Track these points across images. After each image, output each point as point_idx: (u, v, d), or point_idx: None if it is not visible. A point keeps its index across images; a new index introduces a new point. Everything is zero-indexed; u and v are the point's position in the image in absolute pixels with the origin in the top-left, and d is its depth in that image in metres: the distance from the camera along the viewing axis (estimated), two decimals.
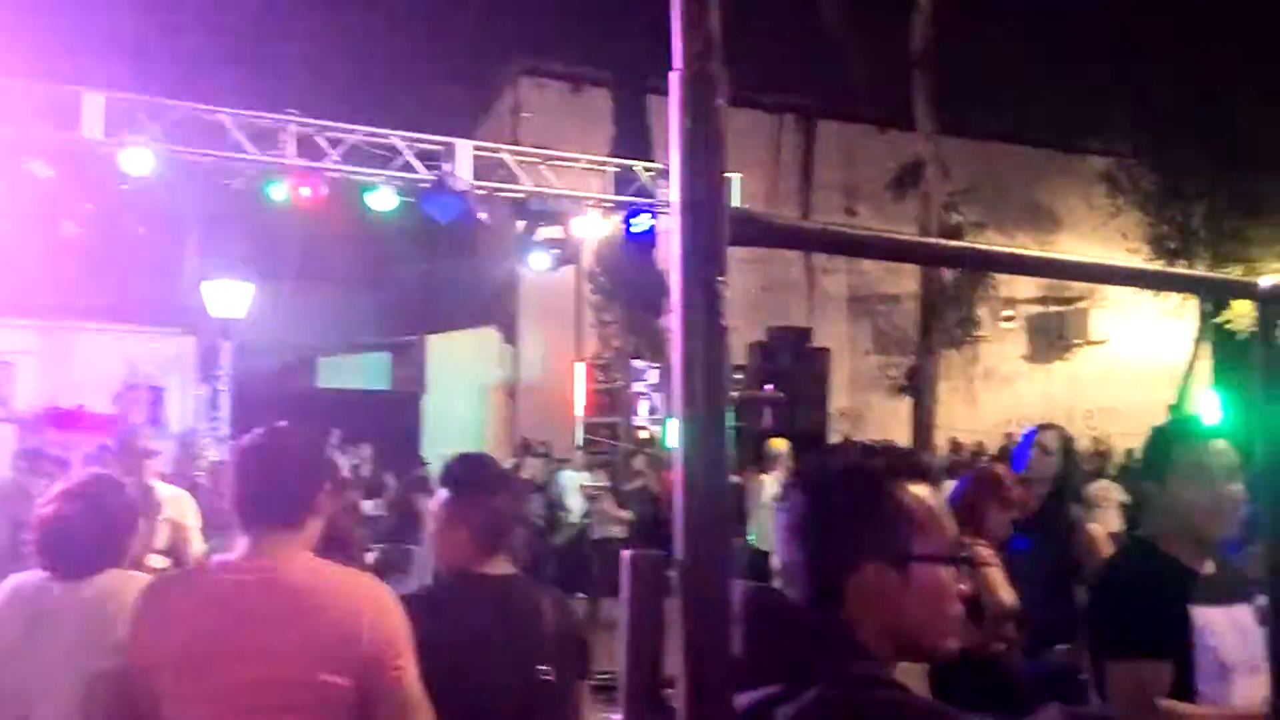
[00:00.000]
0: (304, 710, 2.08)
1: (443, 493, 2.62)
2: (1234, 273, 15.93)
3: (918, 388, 16.91)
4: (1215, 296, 13.27)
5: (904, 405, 17.27)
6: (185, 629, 2.12)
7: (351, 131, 10.42)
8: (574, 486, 12.40)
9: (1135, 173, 17.17)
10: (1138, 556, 2.58)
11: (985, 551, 3.61)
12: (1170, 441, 2.57)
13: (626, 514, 11.81)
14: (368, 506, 11.50)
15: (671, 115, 0.99)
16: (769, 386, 12.71)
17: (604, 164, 12.20)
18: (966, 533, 3.53)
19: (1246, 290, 1.48)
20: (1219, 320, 16.14)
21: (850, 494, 1.35)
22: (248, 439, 2.30)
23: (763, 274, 16.19)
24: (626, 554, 0.99)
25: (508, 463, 13.55)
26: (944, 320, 17.08)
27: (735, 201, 12.33)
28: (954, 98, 16.49)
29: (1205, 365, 17.86)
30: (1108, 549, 3.97)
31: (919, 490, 1.36)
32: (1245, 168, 15.22)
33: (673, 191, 0.99)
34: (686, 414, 0.95)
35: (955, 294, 17.01)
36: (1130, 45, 15.55)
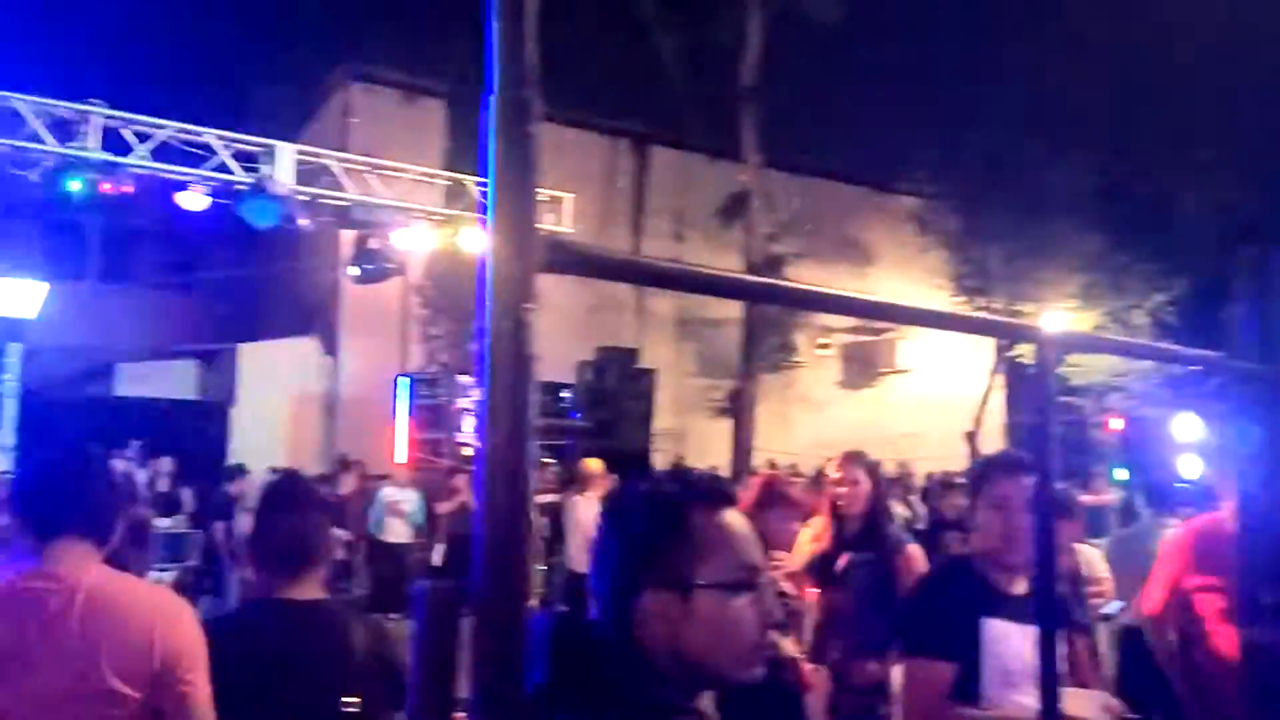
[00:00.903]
0: None
1: (249, 514, 2.50)
2: (1027, 309, 17.21)
3: (738, 410, 17.40)
4: (1005, 339, 14.27)
5: (725, 427, 17.71)
6: None
7: (162, 126, 9.86)
8: (392, 504, 12.06)
9: (940, 213, 18.27)
10: (947, 571, 2.79)
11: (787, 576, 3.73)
12: (984, 473, 2.78)
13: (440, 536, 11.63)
14: (164, 524, 10.84)
15: (486, 140, 0.98)
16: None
17: (434, 176, 12.00)
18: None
19: (1031, 335, 1.60)
20: (1011, 355, 17.39)
21: (642, 520, 1.34)
22: (42, 451, 2.28)
23: (593, 293, 16.31)
24: (418, 586, 0.97)
25: (323, 479, 13.09)
26: (764, 346, 17.67)
27: (567, 222, 12.40)
28: (781, 132, 17.16)
29: (999, 396, 19.16)
30: (924, 566, 4.18)
31: (717, 516, 1.35)
32: (1036, 214, 16.46)
33: (487, 217, 0.98)
34: (489, 442, 0.94)
35: (776, 321, 17.62)
36: (940, 91, 16.60)
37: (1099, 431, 17.27)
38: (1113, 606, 5.09)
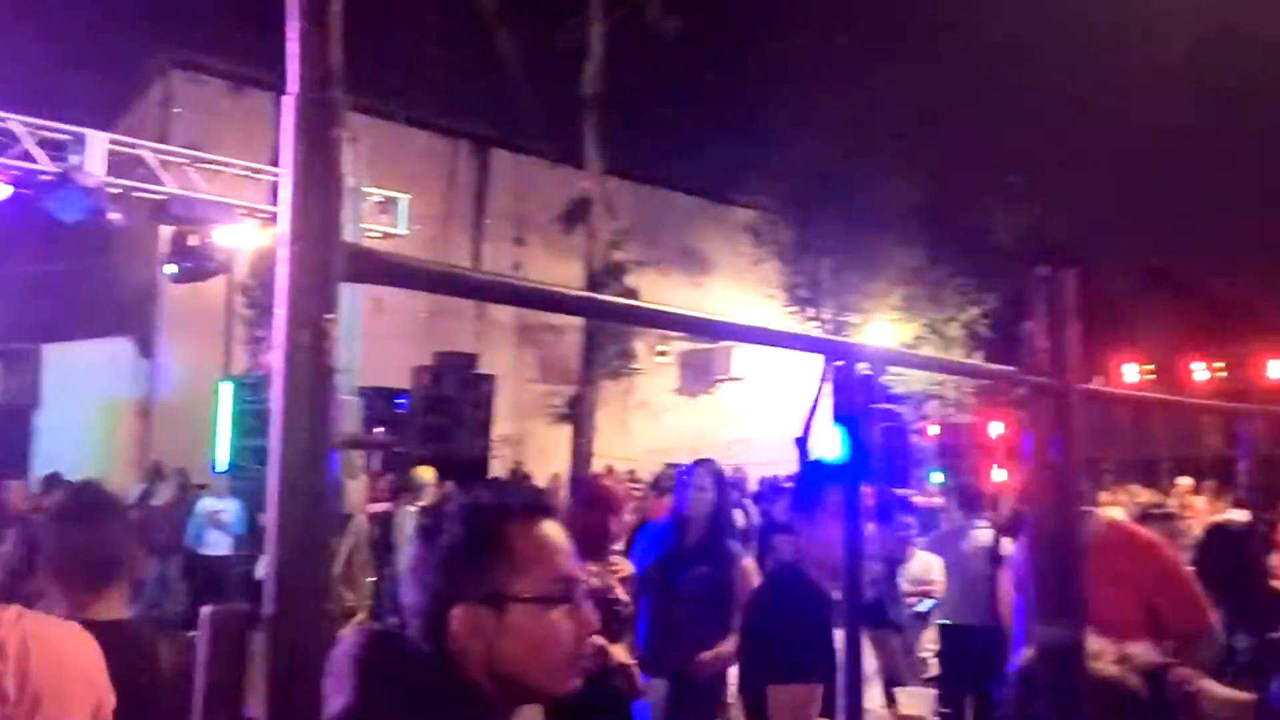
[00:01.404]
0: None
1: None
2: (853, 319, 17.95)
3: (578, 416, 17.43)
4: (834, 357, 14.82)
5: (565, 433, 17.72)
6: None
7: None
8: (212, 514, 11.50)
9: (774, 225, 18.86)
10: (790, 586, 2.77)
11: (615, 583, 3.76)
12: (821, 481, 2.80)
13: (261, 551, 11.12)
14: None
15: (284, 143, 0.93)
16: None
17: (261, 171, 11.48)
18: (596, 552, 3.66)
19: (859, 354, 1.66)
20: (838, 364, 18.07)
21: (456, 534, 1.32)
22: None
23: (432, 298, 16.00)
24: (205, 611, 0.91)
25: (138, 487, 12.32)
26: (604, 353, 17.77)
27: (402, 224, 12.11)
28: (622, 140, 17.32)
29: (827, 403, 19.89)
30: (757, 579, 4.25)
31: (534, 528, 1.34)
32: (863, 229, 17.21)
33: (280, 222, 0.94)
34: (284, 460, 0.89)
35: (615, 328, 17.76)
36: (774, 107, 17.14)
37: (918, 437, 18.18)
38: (926, 605, 5.35)
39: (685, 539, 4.42)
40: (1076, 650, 1.64)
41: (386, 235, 11.70)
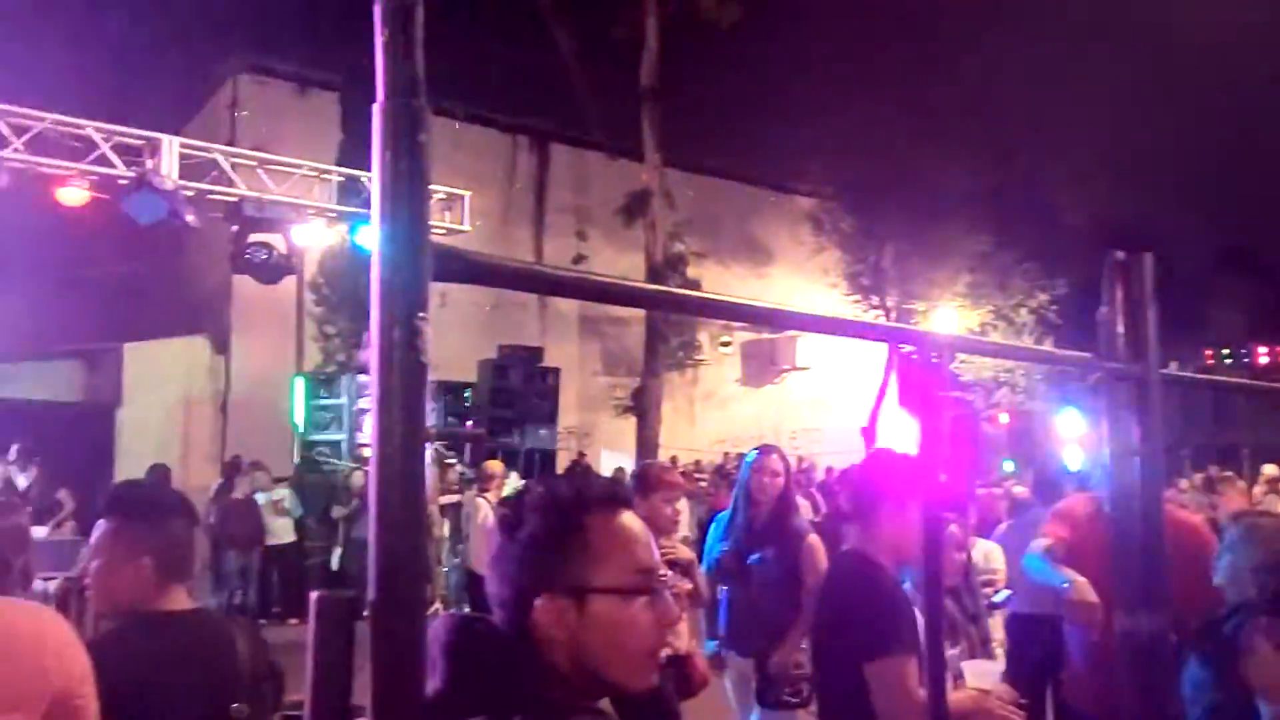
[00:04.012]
0: None
1: (103, 523, 2.34)
2: (918, 307, 17.72)
3: (642, 408, 17.49)
4: (897, 343, 14.63)
5: (630, 424, 17.79)
6: None
7: (40, 118, 9.41)
8: (273, 504, 11.87)
9: (835, 214, 18.68)
10: (862, 567, 2.80)
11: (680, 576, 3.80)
12: (890, 471, 2.83)
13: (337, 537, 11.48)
14: (39, 532, 10.37)
15: (373, 150, 0.97)
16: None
17: (328, 172, 11.72)
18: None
19: (924, 341, 1.65)
20: (906, 352, 17.85)
21: (537, 526, 1.33)
22: None
23: (495, 292, 16.17)
24: (313, 595, 0.95)
25: (217, 481, 12.68)
26: (667, 344, 17.81)
27: (465, 220, 12.25)
28: (680, 132, 17.30)
29: (894, 392, 19.65)
30: (824, 558, 4.29)
31: (614, 519, 1.35)
32: (927, 215, 16.97)
33: (374, 227, 0.97)
34: (382, 452, 0.93)
35: (678, 320, 17.77)
36: (835, 93, 16.96)
37: (988, 425, 17.90)
38: (1001, 595, 5.29)
39: (754, 523, 4.51)
40: (1160, 638, 1.62)
41: (450, 232, 11.84)
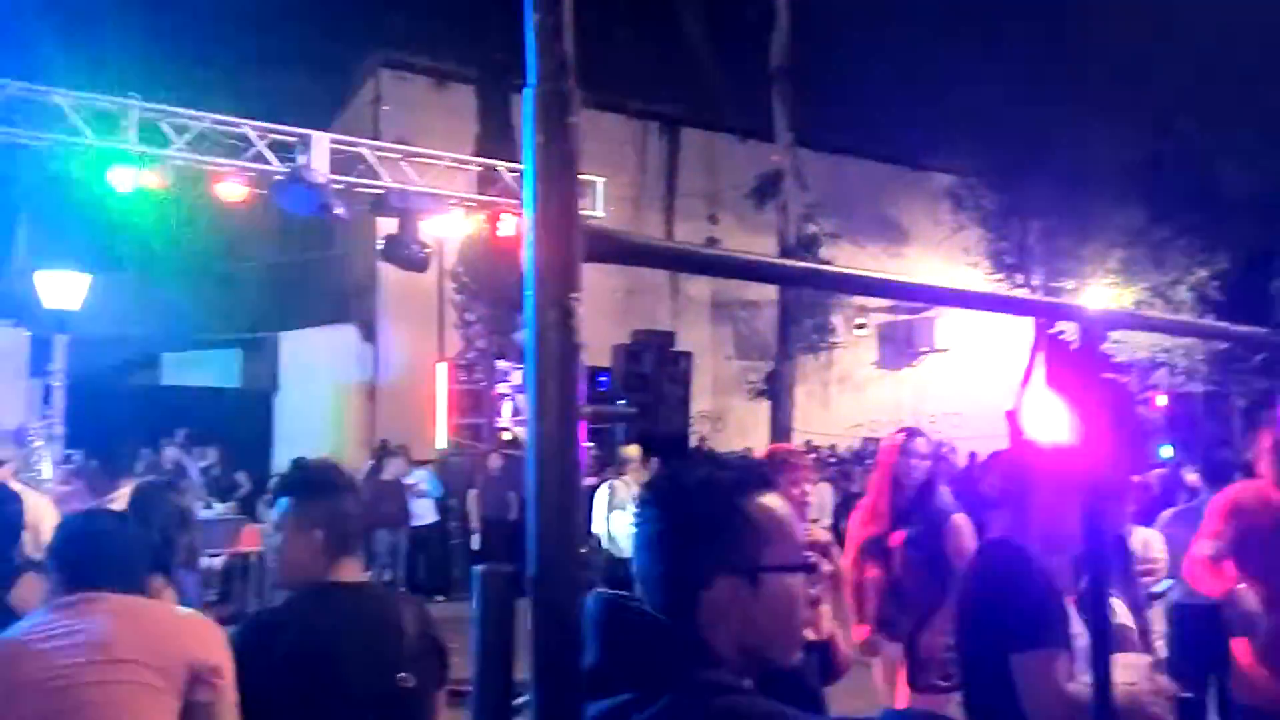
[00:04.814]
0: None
1: (283, 501, 2.55)
2: (1067, 286, 16.97)
3: (776, 392, 17.36)
4: (1047, 319, 14.06)
5: (763, 408, 17.68)
6: None
7: (199, 118, 9.96)
8: (411, 487, 12.31)
9: (976, 191, 18.05)
10: (1013, 555, 2.71)
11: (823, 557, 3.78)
12: (1039, 457, 2.70)
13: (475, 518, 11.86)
14: (219, 509, 11.06)
15: (524, 133, 0.99)
16: (621, 402, 12.80)
17: (467, 162, 12.04)
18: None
19: (1074, 315, 1.59)
20: (1053, 332, 17.14)
21: (702, 508, 1.36)
22: (80, 515, 2.67)
23: (627, 277, 16.32)
24: (478, 569, 0.99)
25: (367, 464, 13.24)
26: (801, 327, 17.60)
27: (598, 206, 12.39)
28: (812, 111, 17.01)
29: (1039, 374, 18.92)
30: (971, 537, 4.20)
31: (767, 501, 1.38)
32: (1076, 191, 16.21)
33: (525, 208, 0.99)
34: (539, 431, 0.95)
35: (812, 302, 17.53)
36: (975, 68, 16.36)
37: (1145, 408, 17.04)
38: (1162, 585, 5.05)
39: (899, 506, 4.47)
40: None
41: (585, 218, 11.99)
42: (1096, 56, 15.70)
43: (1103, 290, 16.93)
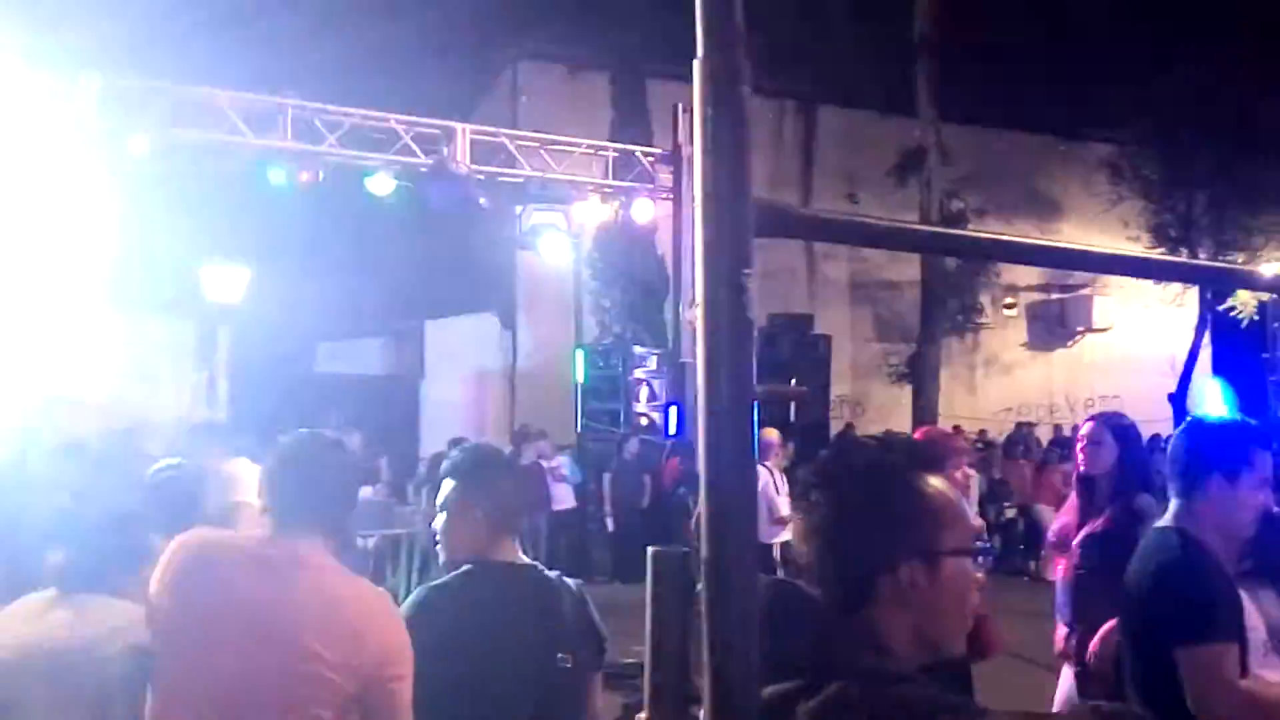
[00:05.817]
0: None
1: (450, 482, 2.61)
2: (1236, 261, 15.93)
3: (919, 375, 16.90)
4: (1218, 286, 13.26)
5: (905, 392, 17.25)
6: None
7: (349, 114, 10.35)
8: (553, 471, 12.49)
9: (1137, 161, 17.12)
10: (1185, 545, 2.61)
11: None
12: (1207, 443, 2.63)
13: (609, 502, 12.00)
14: (366, 492, 11.53)
15: (695, 106, 0.96)
16: (793, 382, 12.65)
17: (603, 149, 12.14)
18: None
19: (1248, 280, 1.47)
20: (1221, 308, 16.13)
21: (875, 492, 1.32)
22: (288, 437, 2.40)
23: (762, 259, 15.36)
24: (651, 550, 0.97)
25: (507, 449, 13.57)
26: (945, 308, 17.07)
27: None
28: (955, 84, 16.42)
29: (1206, 354, 17.84)
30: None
31: (937, 482, 1.34)
32: (1247, 157, 15.16)
33: (696, 183, 0.96)
34: (711, 410, 0.93)
35: (957, 281, 16.98)
36: (1133, 33, 15.47)
37: None
38: None
39: (1090, 500, 4.23)
40: None
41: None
42: (1263, 8, 14.59)
43: (1277, 265, 15.81)
